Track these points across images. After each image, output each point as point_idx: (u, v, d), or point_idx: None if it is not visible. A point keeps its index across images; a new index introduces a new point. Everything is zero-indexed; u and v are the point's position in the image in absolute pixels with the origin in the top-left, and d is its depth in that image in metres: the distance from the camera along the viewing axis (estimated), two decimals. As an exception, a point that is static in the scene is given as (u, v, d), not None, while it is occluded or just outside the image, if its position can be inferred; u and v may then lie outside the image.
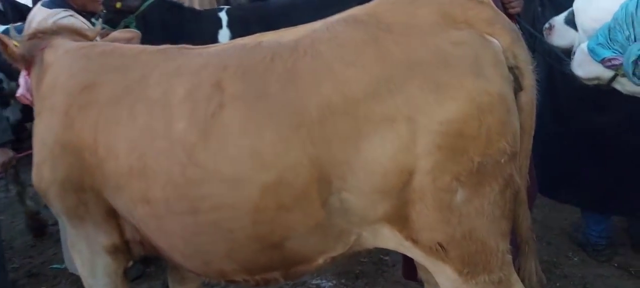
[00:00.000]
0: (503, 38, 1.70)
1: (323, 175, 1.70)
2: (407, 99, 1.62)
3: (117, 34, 2.82)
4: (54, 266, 4.00)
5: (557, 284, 3.32)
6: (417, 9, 1.75)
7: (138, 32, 2.93)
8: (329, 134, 1.67)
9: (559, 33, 2.58)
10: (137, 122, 1.91)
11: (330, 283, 3.44)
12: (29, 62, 2.38)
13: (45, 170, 2.09)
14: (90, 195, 2.05)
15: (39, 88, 2.23)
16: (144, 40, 3.01)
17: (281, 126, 1.70)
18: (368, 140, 1.65)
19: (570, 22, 2.50)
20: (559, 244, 3.76)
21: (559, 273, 3.42)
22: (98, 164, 1.98)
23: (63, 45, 2.33)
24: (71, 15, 3.18)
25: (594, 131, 3.19)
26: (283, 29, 1.96)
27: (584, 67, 2.31)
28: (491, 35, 1.69)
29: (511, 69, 1.71)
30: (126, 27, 3.59)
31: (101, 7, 3.40)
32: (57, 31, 2.41)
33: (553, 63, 2.77)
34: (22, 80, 2.50)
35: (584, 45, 2.27)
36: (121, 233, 2.16)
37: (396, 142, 1.63)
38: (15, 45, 2.37)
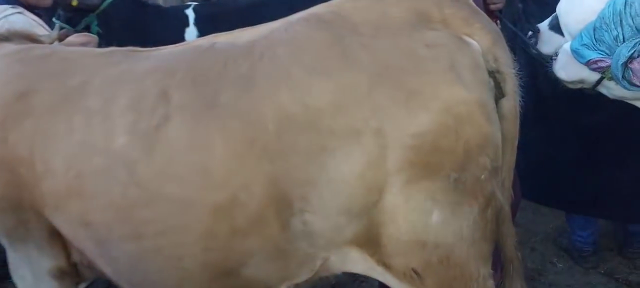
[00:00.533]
0: (483, 39, 1.55)
1: (282, 195, 1.54)
2: (375, 109, 1.46)
3: (73, 38, 2.61)
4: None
5: (542, 293, 3.19)
6: (388, 7, 1.59)
7: (94, 36, 2.74)
8: (288, 149, 1.51)
9: (544, 39, 2.40)
10: (75, 135, 1.72)
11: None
12: None
13: None
14: (31, 215, 1.85)
15: None
16: (107, 40, 2.80)
17: (233, 140, 1.54)
18: (332, 156, 1.49)
19: (555, 27, 2.33)
20: (543, 250, 3.63)
21: (544, 282, 3.29)
22: (36, 181, 1.78)
23: (1, 49, 2.09)
24: (19, 13, 2.96)
25: (581, 132, 3.05)
26: (241, 29, 1.79)
27: (567, 70, 2.16)
28: (469, 36, 1.54)
29: (492, 73, 1.55)
30: (87, 26, 3.36)
31: (49, 2, 3.14)
32: (8, 37, 2.17)
33: (536, 64, 2.60)
34: None
35: (567, 46, 2.12)
36: (67, 255, 1.95)
37: (363, 157, 1.47)
38: None
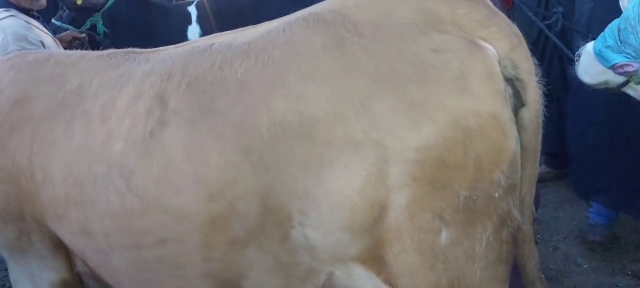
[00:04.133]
0: (500, 44, 1.36)
1: (280, 206, 1.43)
2: (375, 120, 1.32)
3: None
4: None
5: (566, 298, 3.00)
6: (394, 6, 1.43)
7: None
8: (284, 160, 1.39)
9: (585, 65, 2.15)
10: (74, 142, 1.64)
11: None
12: None
13: None
14: (33, 226, 1.78)
15: None
16: (112, 40, 2.72)
17: (229, 149, 1.43)
18: (330, 169, 1.36)
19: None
20: (566, 250, 3.36)
21: (568, 284, 3.04)
22: (37, 191, 1.71)
23: None
24: (12, 16, 2.91)
25: (627, 127, 2.84)
26: (241, 29, 1.68)
27: (591, 73, 1.97)
28: (485, 40, 1.36)
29: (510, 81, 1.37)
30: (93, 26, 3.29)
31: (44, 4, 3.06)
32: None
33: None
34: None
35: (590, 47, 1.92)
36: (71, 266, 1.89)
37: (363, 171, 1.34)
38: None
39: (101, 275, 1.77)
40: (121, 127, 1.56)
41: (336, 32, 1.40)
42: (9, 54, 2.77)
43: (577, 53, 2.02)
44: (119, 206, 1.55)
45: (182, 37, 3.62)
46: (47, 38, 3.11)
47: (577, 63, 2.02)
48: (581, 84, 2.16)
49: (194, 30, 3.72)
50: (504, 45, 1.36)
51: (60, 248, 1.81)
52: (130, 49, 1.84)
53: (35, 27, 3.08)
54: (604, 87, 1.97)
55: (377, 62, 1.33)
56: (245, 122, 1.41)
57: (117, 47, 1.97)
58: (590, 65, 1.94)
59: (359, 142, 1.32)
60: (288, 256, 1.49)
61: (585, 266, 3.18)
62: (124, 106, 1.59)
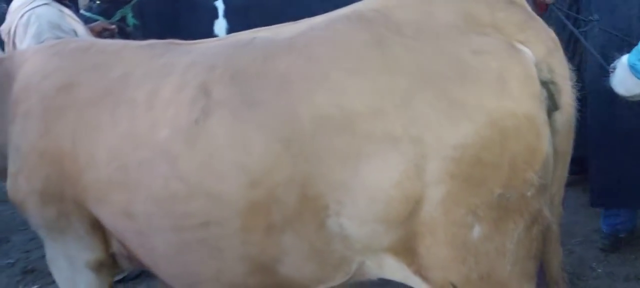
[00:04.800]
0: (537, 47, 1.40)
1: (318, 195, 1.47)
2: (415, 116, 1.36)
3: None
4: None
5: (580, 301, 2.99)
6: (435, 7, 1.47)
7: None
8: (324, 151, 1.43)
9: (619, 78, 2.16)
10: (118, 127, 1.70)
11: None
12: None
13: (21, 180, 1.87)
14: (72, 207, 1.84)
15: (5, 99, 1.99)
16: (141, 31, 2.77)
17: (271, 139, 1.48)
18: (368, 162, 1.40)
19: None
20: (582, 253, 3.36)
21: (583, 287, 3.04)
22: (79, 174, 1.77)
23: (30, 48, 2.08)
24: (46, 4, 2.96)
25: None
26: (282, 24, 1.71)
27: (626, 85, 1.98)
28: (522, 43, 1.39)
29: (545, 84, 1.40)
30: (123, 17, 3.34)
31: None
32: None
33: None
34: None
35: (624, 60, 1.93)
36: (106, 246, 1.95)
37: (401, 166, 1.37)
38: None
39: (139, 256, 1.83)
40: (166, 114, 1.61)
41: (377, 31, 1.44)
42: (43, 41, 2.83)
43: (612, 65, 2.03)
44: (163, 189, 1.60)
45: (209, 31, 3.63)
46: (79, 27, 3.16)
47: (611, 75, 2.03)
48: (603, 93, 2.18)
49: (220, 24, 3.71)
50: (540, 49, 1.39)
51: (98, 229, 1.87)
52: (169, 40, 1.89)
53: (68, 15, 3.14)
54: (638, 99, 1.99)
55: (417, 60, 1.37)
56: (287, 113, 1.45)
57: (146, 39, 2.02)
58: (625, 78, 1.95)
59: (398, 137, 1.35)
60: (322, 243, 1.53)
61: (600, 270, 3.18)
62: (168, 95, 1.64)
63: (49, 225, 1.90)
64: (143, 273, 3.37)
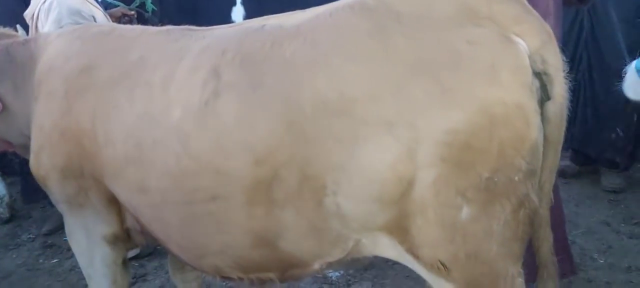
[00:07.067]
0: (531, 39, 1.42)
1: (316, 175, 1.52)
2: (409, 102, 1.40)
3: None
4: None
5: (580, 290, 3.02)
6: None
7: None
8: (323, 134, 1.49)
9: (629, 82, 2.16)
10: (135, 107, 1.78)
11: (338, 274, 3.21)
12: None
13: (43, 156, 1.96)
14: (91, 182, 1.93)
15: (29, 79, 2.07)
16: (160, 17, 2.81)
17: (275, 121, 1.54)
18: (364, 145, 1.45)
19: None
20: (583, 244, 3.39)
21: (583, 277, 3.05)
22: (97, 151, 1.85)
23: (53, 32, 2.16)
24: None
25: None
26: (290, 12, 1.76)
27: (636, 89, 2.00)
28: (518, 35, 1.42)
29: (538, 74, 1.43)
30: (142, 4, 3.39)
31: None
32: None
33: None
34: None
35: (634, 65, 1.96)
36: (122, 221, 2.04)
37: (395, 149, 1.42)
38: None
39: (152, 229, 1.91)
40: (179, 96, 1.68)
41: (379, 19, 1.48)
42: (62, 27, 2.90)
43: (623, 70, 2.05)
44: (175, 166, 1.67)
45: (226, 18, 3.66)
46: (98, 13, 3.22)
47: (623, 79, 2.04)
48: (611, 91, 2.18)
49: (237, 11, 3.73)
50: (534, 41, 1.42)
51: (114, 204, 1.96)
52: (185, 26, 1.95)
53: (88, 1, 3.19)
54: None
55: (414, 49, 1.41)
56: (291, 97, 1.50)
57: (164, 25, 2.06)
58: (635, 82, 1.97)
59: (393, 122, 1.40)
60: (321, 221, 1.58)
61: (601, 261, 3.20)
62: (182, 77, 1.70)
63: (69, 200, 1.98)
64: (155, 251, 3.49)
